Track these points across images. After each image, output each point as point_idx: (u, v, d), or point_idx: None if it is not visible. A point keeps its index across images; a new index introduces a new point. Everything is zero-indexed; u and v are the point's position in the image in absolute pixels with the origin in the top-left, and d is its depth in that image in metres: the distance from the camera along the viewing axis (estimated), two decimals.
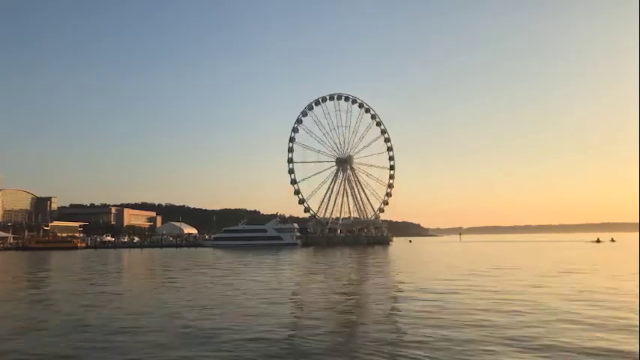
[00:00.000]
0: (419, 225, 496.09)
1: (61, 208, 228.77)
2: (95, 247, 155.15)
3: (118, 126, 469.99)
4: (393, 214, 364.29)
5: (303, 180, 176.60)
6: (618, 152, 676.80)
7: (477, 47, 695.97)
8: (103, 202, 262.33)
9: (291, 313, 25.50)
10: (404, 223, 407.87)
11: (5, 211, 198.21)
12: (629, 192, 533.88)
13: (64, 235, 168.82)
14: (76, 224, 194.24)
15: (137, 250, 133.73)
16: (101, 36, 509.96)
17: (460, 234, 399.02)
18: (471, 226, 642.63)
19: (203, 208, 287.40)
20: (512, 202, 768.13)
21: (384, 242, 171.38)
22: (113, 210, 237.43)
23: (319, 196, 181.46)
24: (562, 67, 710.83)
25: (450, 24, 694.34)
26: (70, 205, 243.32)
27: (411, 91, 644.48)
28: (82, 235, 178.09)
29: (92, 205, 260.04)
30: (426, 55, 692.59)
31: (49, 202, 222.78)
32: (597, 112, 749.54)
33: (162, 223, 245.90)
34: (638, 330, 18.87)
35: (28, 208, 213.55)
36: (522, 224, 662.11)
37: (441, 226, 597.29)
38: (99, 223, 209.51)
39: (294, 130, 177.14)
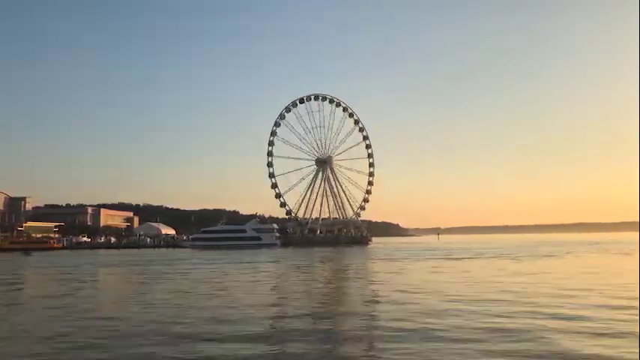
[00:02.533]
0: (398, 225, 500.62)
1: (35, 208, 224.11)
2: (71, 247, 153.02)
3: (95, 125, 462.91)
4: (372, 214, 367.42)
5: (287, 189, 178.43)
6: (618, 152, 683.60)
7: (477, 47, 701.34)
8: (79, 202, 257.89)
9: None
10: (383, 223, 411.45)
11: None
12: (629, 192, 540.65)
13: (39, 235, 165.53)
14: (52, 224, 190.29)
15: (114, 251, 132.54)
16: (84, 34, 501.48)
17: (438, 234, 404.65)
18: (450, 226, 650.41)
19: (181, 209, 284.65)
20: (497, 203, 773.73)
21: (364, 242, 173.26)
22: (89, 210, 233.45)
23: (299, 196, 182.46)
24: (562, 67, 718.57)
25: (449, 23, 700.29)
26: (45, 205, 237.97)
27: (407, 91, 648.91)
28: (57, 235, 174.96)
29: (68, 205, 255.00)
30: (425, 55, 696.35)
31: (23, 202, 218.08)
32: (597, 112, 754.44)
33: (139, 224, 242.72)
34: (638, 334, 18.71)
35: (1, 208, 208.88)
36: (501, 224, 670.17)
37: (420, 227, 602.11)
38: (75, 224, 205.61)
39: (273, 133, 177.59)
